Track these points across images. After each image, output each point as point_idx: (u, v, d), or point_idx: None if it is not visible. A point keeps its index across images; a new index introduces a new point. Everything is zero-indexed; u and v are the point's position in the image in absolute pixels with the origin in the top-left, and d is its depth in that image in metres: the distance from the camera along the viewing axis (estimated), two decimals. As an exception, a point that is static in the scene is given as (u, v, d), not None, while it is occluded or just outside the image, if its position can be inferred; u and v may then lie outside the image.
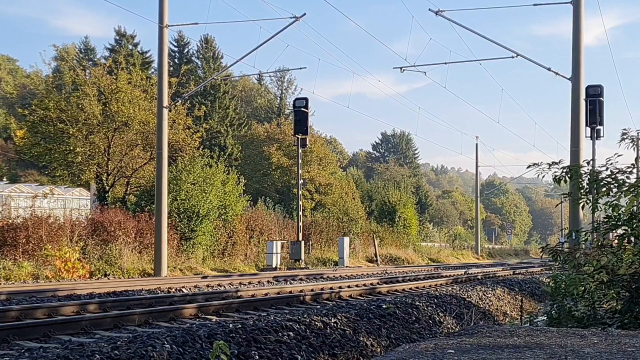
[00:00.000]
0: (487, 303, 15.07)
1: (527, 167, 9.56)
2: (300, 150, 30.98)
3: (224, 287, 16.92)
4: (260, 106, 72.83)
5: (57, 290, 14.20)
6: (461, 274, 23.77)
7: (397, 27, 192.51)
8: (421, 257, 45.07)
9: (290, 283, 18.70)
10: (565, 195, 10.26)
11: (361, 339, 9.29)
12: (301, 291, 15.52)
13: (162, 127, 23.22)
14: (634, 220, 8.68)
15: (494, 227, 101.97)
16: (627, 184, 8.85)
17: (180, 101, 30.56)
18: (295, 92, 70.49)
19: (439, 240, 63.01)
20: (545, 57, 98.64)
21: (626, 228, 8.74)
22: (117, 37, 57.76)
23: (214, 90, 53.16)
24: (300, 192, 32.79)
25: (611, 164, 9.03)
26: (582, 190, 9.34)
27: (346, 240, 33.48)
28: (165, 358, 6.78)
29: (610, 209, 8.69)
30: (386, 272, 26.01)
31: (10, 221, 22.21)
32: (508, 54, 22.10)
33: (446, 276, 22.81)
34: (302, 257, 29.90)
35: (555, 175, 9.28)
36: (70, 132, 30.39)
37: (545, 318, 9.87)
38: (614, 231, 9.08)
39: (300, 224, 30.94)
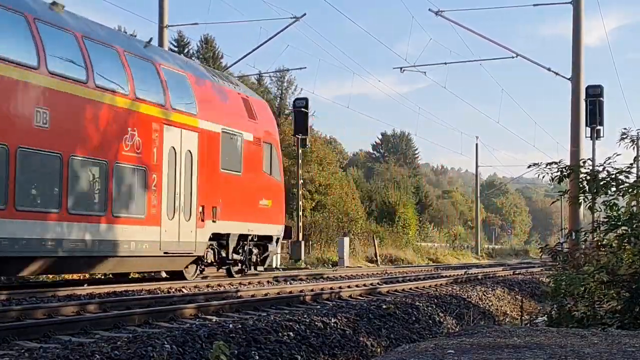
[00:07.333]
0: (487, 303, 15.08)
1: (528, 167, 9.60)
2: (300, 150, 30.99)
3: (224, 287, 16.90)
4: (260, 106, 72.69)
5: (57, 290, 14.19)
6: (461, 274, 23.75)
7: (397, 27, 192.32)
8: (421, 257, 45.02)
9: (290, 283, 18.69)
10: (562, 193, 10.22)
11: (361, 339, 9.30)
12: (301, 291, 15.51)
13: (162, 127, 23.20)
14: (633, 221, 8.69)
15: (494, 227, 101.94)
16: (626, 184, 8.87)
17: (180, 101, 30.53)
18: (295, 92, 70.30)
19: (439, 241, 62.95)
20: (546, 58, 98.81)
21: (626, 228, 8.74)
22: (117, 37, 57.78)
23: (214, 90, 53.13)
24: (300, 192, 32.79)
25: (609, 163, 9.04)
26: (581, 190, 9.35)
27: (346, 240, 33.44)
28: (165, 358, 6.79)
29: (609, 208, 8.71)
30: (386, 272, 26.00)
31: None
32: (508, 54, 22.21)
33: (446, 276, 22.80)
34: (302, 257, 29.87)
35: (555, 175, 9.29)
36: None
37: (545, 318, 9.87)
38: (613, 231, 9.08)
39: (300, 224, 30.93)
